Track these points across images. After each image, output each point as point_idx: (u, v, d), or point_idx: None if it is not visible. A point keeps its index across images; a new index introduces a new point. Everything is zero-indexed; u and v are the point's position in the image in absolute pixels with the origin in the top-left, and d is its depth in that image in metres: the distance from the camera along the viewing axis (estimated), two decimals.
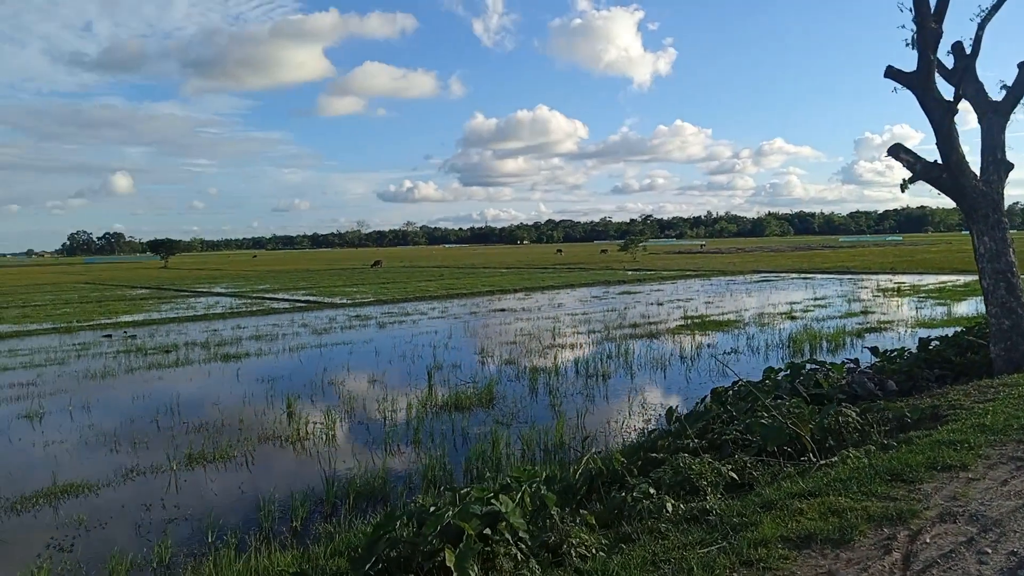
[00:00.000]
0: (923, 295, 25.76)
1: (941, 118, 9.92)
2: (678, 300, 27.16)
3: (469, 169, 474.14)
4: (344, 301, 29.97)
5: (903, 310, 21.38)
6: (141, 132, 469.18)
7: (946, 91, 10.27)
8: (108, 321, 24.24)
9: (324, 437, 9.37)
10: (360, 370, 14.26)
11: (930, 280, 33.04)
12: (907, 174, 10.58)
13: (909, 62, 10.16)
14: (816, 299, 25.81)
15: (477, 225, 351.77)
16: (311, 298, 32.27)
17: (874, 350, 11.64)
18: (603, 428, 9.54)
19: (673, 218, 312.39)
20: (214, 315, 25.44)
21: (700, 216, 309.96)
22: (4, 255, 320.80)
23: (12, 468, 8.37)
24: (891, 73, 10.05)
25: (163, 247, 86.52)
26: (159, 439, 9.31)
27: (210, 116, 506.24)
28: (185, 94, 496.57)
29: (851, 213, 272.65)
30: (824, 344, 15.91)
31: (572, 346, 16.61)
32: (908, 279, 34.30)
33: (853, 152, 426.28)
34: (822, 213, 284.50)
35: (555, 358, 14.82)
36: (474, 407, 10.93)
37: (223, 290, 40.28)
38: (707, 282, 36.92)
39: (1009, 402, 6.85)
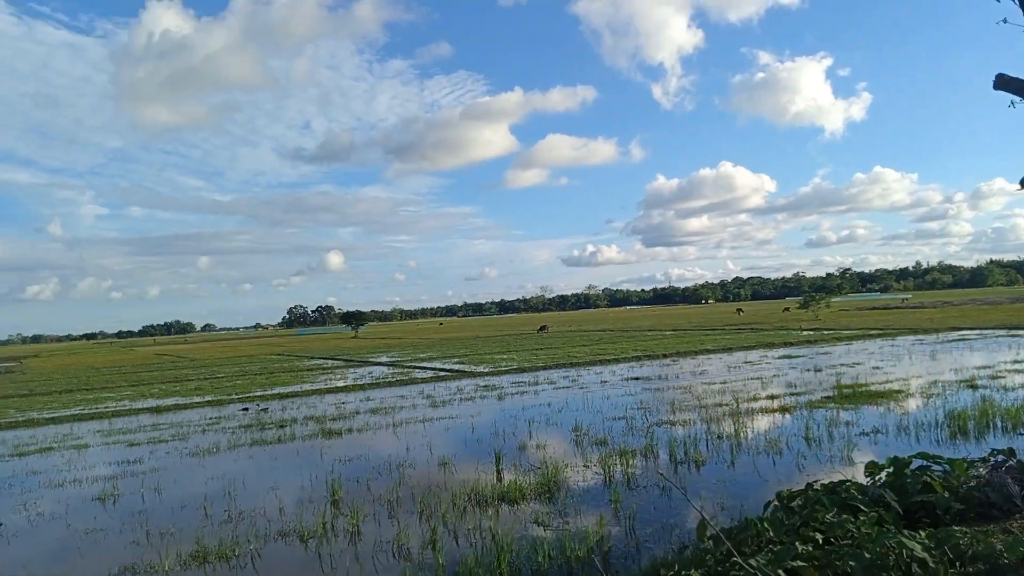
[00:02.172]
0: None
1: None
2: (841, 365, 23.92)
3: (651, 230, 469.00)
4: (485, 370, 29.84)
5: None
6: (350, 214, 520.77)
7: None
8: (264, 393, 25.79)
9: (345, 534, 8.73)
10: (443, 448, 13.62)
11: None
12: None
13: None
14: (1015, 363, 21.51)
15: (660, 285, 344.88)
16: (457, 366, 32.55)
17: None
18: (651, 536, 8.02)
19: (876, 270, 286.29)
20: (355, 386, 26.27)
21: (908, 267, 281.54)
22: (237, 328, 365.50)
23: (27, 559, 8.58)
24: (1002, 83, 7.92)
25: (353, 319, 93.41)
26: (188, 530, 9.16)
27: (408, 196, 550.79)
28: (387, 177, 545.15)
29: None
30: (998, 422, 12.89)
31: (683, 423, 14.83)
32: None
33: None
34: None
35: (653, 438, 13.23)
36: (529, 499, 9.80)
37: (386, 359, 42.03)
38: (889, 343, 32.50)
39: None
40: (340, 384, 27.43)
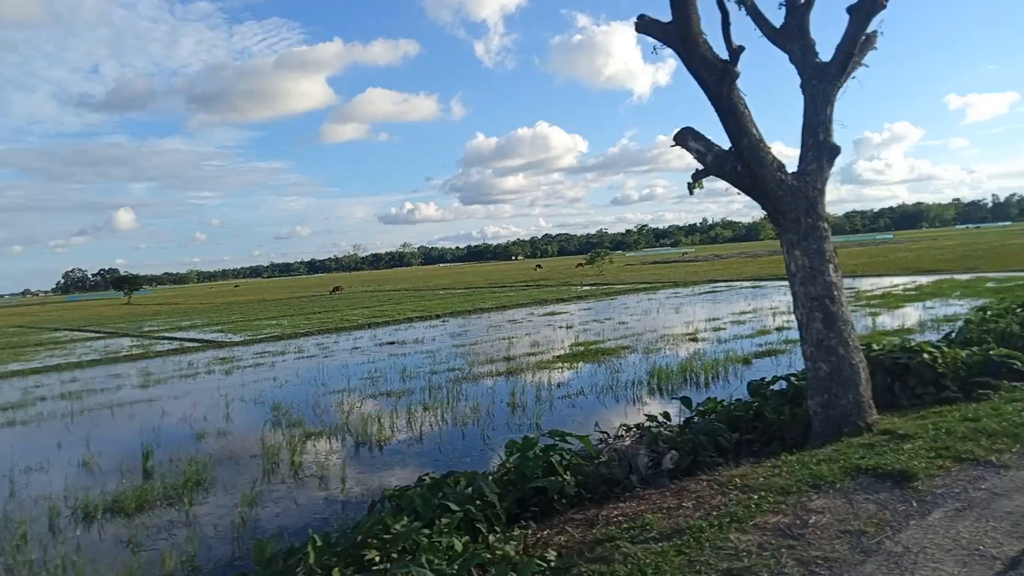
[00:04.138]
0: (863, 302, 22.96)
1: (717, 85, 7.23)
2: (592, 321, 24.41)
3: (469, 188, 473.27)
4: (239, 339, 27.34)
5: None
6: (146, 168, 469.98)
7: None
8: None
9: None
10: (105, 442, 11.56)
11: (887, 283, 30.24)
12: (699, 167, 7.92)
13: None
14: (742, 313, 23.01)
15: (474, 243, 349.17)
16: (212, 336, 29.64)
17: (685, 401, 8.88)
18: (249, 551, 6.79)
19: (670, 226, 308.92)
20: (68, 365, 22.77)
21: (696, 223, 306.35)
22: (2, 295, 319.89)
23: None
24: (642, 26, 7.39)
25: (126, 283, 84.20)
26: None
27: (214, 149, 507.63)
28: (190, 129, 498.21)
29: (847, 213, 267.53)
30: (695, 377, 13.16)
31: (402, 393, 13.88)
32: (867, 282, 31.48)
33: (853, 152, 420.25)
34: None
35: (348, 416, 12.06)
36: (153, 507, 8.21)
37: (146, 328, 37.72)
38: (648, 296, 34.14)
39: (698, 542, 4.10)
40: (56, 362, 23.69)
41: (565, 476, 6.53)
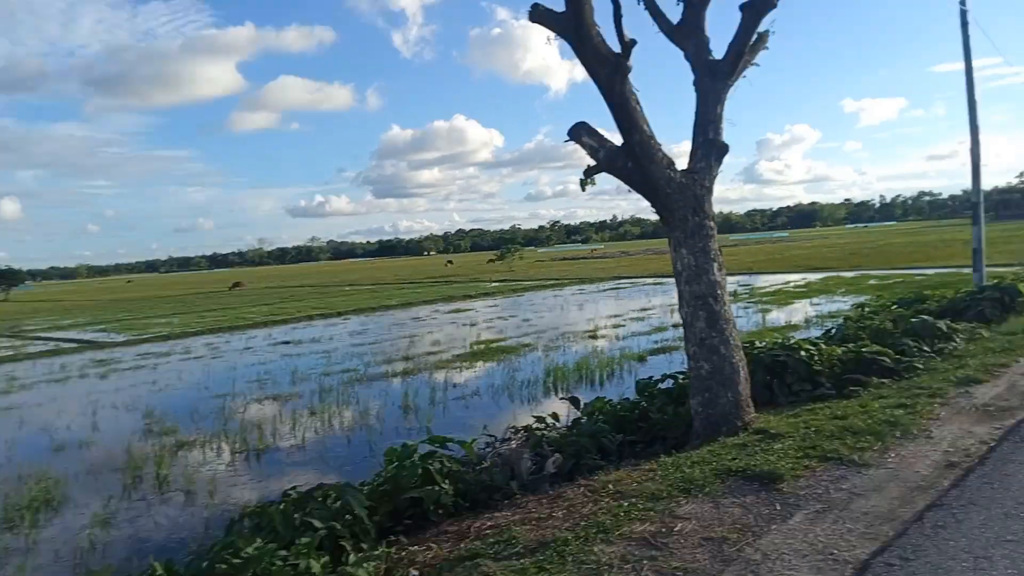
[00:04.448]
0: (755, 299, 23.80)
1: (609, 79, 7.08)
2: (498, 318, 24.27)
3: (383, 181, 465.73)
4: (123, 339, 25.69)
5: None
6: (35, 154, 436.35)
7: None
8: None
9: None
10: None
11: (780, 279, 31.47)
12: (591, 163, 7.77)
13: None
14: (641, 310, 23.39)
15: (386, 237, 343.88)
16: (93, 335, 27.73)
17: (574, 401, 8.77)
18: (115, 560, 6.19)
19: (581, 223, 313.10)
20: None
21: (606, 220, 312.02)
22: None
23: None
24: (536, 15, 7.15)
25: (3, 278, 78.02)
26: None
27: (112, 135, 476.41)
28: (86, 113, 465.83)
29: (748, 212, 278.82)
30: (590, 375, 13.12)
31: (289, 397, 13.27)
32: (762, 279, 32.69)
33: (755, 152, 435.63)
34: (720, 212, 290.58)
35: (227, 422, 11.41)
36: None
37: (26, 327, 35.12)
38: (555, 293, 34.34)
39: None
40: None
41: (443, 485, 6.22)
